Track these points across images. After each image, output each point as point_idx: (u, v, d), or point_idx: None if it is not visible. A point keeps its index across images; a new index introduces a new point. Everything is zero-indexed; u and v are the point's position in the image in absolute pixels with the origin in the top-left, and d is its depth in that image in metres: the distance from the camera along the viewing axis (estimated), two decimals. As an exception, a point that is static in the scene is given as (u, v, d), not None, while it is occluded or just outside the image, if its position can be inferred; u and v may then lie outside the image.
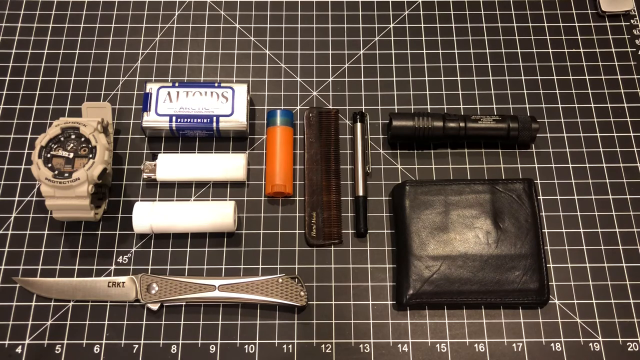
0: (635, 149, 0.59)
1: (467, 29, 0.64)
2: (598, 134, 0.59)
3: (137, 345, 0.51)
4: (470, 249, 0.53)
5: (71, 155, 0.52)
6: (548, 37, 0.64)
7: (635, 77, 0.62)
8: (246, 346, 0.51)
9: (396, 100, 0.61)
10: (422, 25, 0.64)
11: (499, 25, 0.64)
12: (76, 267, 0.54)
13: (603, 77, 0.62)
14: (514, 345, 0.51)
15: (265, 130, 0.59)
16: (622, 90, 0.61)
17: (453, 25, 0.64)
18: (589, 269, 0.54)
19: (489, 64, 0.62)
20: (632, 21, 0.64)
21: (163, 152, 0.58)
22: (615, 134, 0.59)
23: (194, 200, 0.56)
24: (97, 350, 0.51)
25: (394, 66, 0.62)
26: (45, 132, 0.52)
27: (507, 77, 0.62)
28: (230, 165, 0.56)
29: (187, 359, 0.51)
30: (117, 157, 0.58)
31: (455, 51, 0.63)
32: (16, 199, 0.57)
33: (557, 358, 0.51)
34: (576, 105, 0.61)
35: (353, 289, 0.53)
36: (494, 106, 0.60)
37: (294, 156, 0.58)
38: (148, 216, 0.53)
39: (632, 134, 0.59)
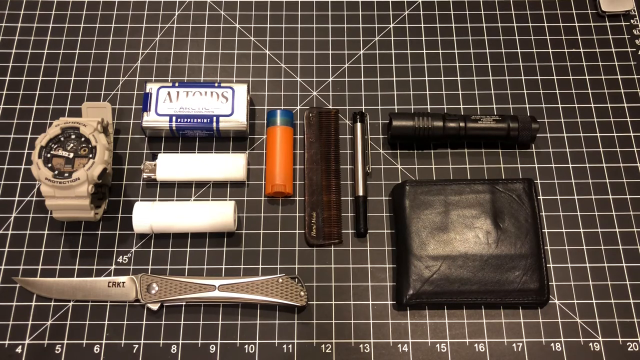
0: (635, 149, 0.59)
1: (467, 29, 0.64)
2: (598, 134, 0.59)
3: (137, 345, 0.51)
4: (470, 249, 0.53)
5: (71, 155, 0.52)
6: (548, 37, 0.64)
7: (635, 77, 0.62)
8: (246, 346, 0.51)
9: (396, 100, 0.61)
10: (422, 25, 0.64)
11: (499, 25, 0.64)
12: (76, 267, 0.54)
13: (603, 77, 0.62)
14: (514, 345, 0.51)
15: (265, 130, 0.59)
16: (622, 90, 0.61)
17: (453, 25, 0.64)
18: (589, 269, 0.54)
19: (489, 64, 0.62)
20: (632, 21, 0.64)
21: (163, 152, 0.58)
22: (615, 134, 0.59)
23: (194, 200, 0.56)
24: (97, 350, 0.51)
25: (394, 66, 0.62)
26: (45, 132, 0.52)
27: (507, 77, 0.62)
28: (230, 165, 0.56)
29: (187, 359, 0.51)
30: (117, 157, 0.58)
31: (455, 51, 0.63)
32: (16, 199, 0.57)
33: (557, 358, 0.51)
34: (576, 105, 0.61)
35: (353, 289, 0.53)
36: (494, 106, 0.60)
37: (294, 156, 0.58)
38: (148, 216, 0.53)
39: (632, 134, 0.59)
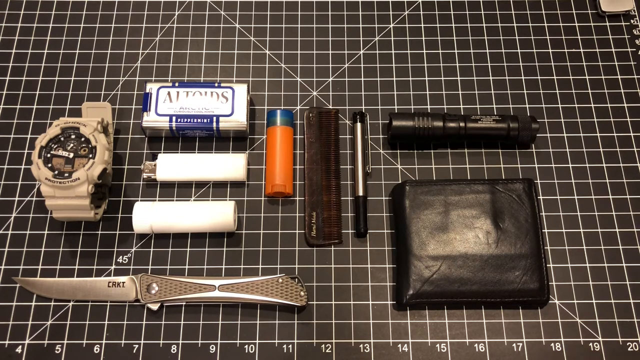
0: (635, 149, 0.59)
1: (467, 29, 0.64)
2: (598, 134, 0.59)
3: (137, 345, 0.51)
4: (470, 249, 0.53)
5: (71, 155, 0.52)
6: (548, 37, 0.64)
7: (635, 77, 0.62)
8: (246, 346, 0.51)
9: (396, 100, 0.61)
10: (422, 25, 0.64)
11: (499, 25, 0.64)
12: (76, 267, 0.54)
13: (603, 77, 0.62)
14: (514, 345, 0.51)
15: (265, 130, 0.59)
16: (622, 90, 0.61)
17: (453, 25, 0.64)
18: (589, 269, 0.54)
19: (489, 64, 0.62)
20: (632, 21, 0.64)
21: (163, 152, 0.58)
22: (615, 134, 0.59)
23: (194, 200, 0.56)
24: (97, 350, 0.51)
25: (394, 66, 0.62)
26: (45, 132, 0.52)
27: (507, 77, 0.62)
28: (230, 165, 0.56)
29: (187, 359, 0.51)
30: (117, 157, 0.58)
31: (455, 51, 0.63)
32: (16, 199, 0.57)
33: (557, 358, 0.51)
34: (576, 105, 0.61)
35: (353, 289, 0.53)
36: (494, 106, 0.60)
37: (294, 156, 0.58)
38: (148, 216, 0.53)
39: (632, 134, 0.59)
